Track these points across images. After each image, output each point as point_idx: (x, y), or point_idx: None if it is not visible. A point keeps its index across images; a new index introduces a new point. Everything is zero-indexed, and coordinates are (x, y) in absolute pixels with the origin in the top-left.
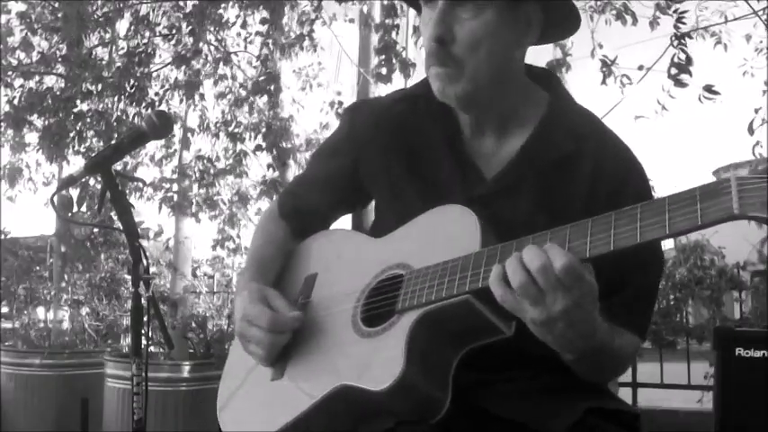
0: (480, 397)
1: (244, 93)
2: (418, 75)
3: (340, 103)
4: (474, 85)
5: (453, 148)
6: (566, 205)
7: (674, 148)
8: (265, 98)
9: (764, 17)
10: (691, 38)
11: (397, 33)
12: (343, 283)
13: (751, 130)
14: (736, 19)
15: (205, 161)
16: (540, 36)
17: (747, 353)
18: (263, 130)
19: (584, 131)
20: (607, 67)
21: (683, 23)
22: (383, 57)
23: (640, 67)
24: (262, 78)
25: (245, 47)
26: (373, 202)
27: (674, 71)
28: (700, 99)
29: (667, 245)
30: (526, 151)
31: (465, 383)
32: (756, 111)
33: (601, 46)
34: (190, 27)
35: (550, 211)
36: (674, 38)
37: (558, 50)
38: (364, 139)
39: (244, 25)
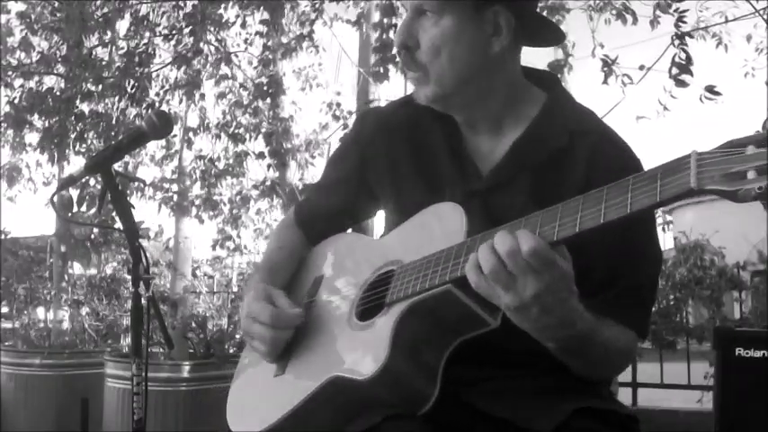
0: (469, 393)
1: (244, 93)
2: None
3: (338, 104)
4: (441, 87)
5: (452, 146)
6: (560, 199)
7: (676, 148)
8: (267, 100)
9: (766, 16)
10: (692, 37)
11: (395, 32)
12: (344, 282)
13: (765, 130)
14: (736, 19)
15: (205, 161)
16: (519, 41)
17: (747, 353)
18: (263, 130)
19: (578, 127)
20: (608, 66)
21: (684, 23)
22: (380, 56)
23: (641, 67)
24: (264, 81)
25: (246, 48)
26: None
27: (675, 71)
28: (701, 99)
29: (667, 245)
30: (518, 147)
31: (455, 379)
32: None
33: (602, 45)
34: (190, 27)
35: (545, 205)
36: (674, 37)
37: (560, 51)
38: (370, 144)
39: (243, 25)
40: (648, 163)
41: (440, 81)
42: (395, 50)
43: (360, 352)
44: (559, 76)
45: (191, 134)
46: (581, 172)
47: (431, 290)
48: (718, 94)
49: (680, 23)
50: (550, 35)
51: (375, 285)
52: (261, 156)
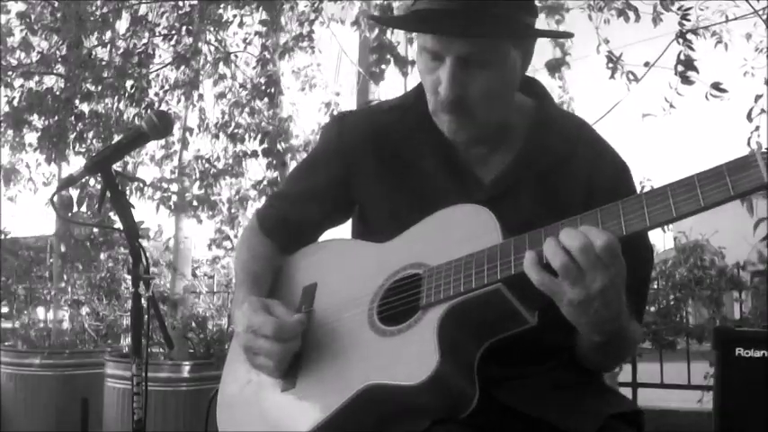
0: (503, 393)
1: (244, 93)
2: (415, 73)
3: (338, 104)
4: (486, 127)
5: (447, 157)
6: (565, 205)
7: (681, 145)
8: (265, 100)
9: (765, 17)
10: (696, 34)
11: (393, 32)
12: (349, 289)
13: (749, 118)
14: (736, 18)
15: (203, 161)
16: None
17: (747, 353)
18: (262, 130)
19: (575, 134)
20: (613, 62)
21: (688, 20)
22: (377, 56)
23: (646, 64)
24: (262, 81)
25: (245, 47)
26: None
27: (680, 68)
28: (707, 97)
29: (667, 245)
30: (523, 155)
31: (486, 378)
32: (757, 99)
33: (607, 41)
34: (189, 27)
35: (550, 211)
36: (678, 34)
37: (558, 50)
38: (354, 151)
39: (241, 24)
40: (655, 160)
41: (486, 122)
42: (394, 47)
43: (400, 358)
44: (557, 74)
45: (187, 134)
46: (583, 178)
47: (478, 290)
48: (724, 91)
49: (684, 21)
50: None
51: (397, 290)
52: (254, 155)
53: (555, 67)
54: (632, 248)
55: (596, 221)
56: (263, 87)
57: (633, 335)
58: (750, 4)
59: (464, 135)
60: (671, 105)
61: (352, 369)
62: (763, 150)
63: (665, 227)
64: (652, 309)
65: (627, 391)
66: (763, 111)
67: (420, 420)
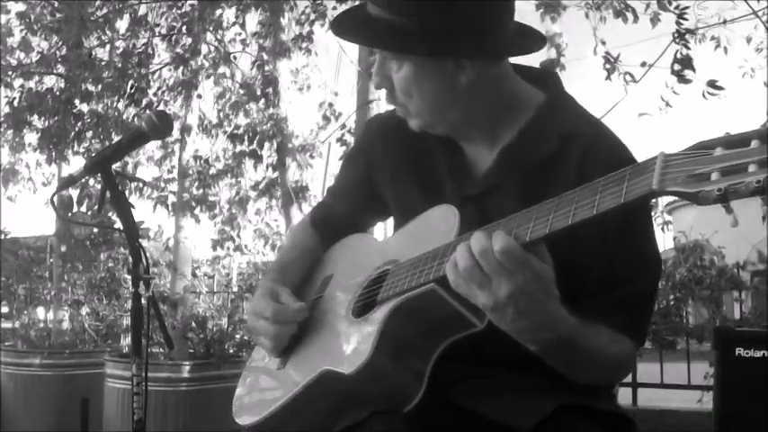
0: (456, 391)
1: (243, 93)
2: None
3: (330, 105)
4: (422, 120)
5: (449, 152)
6: None
7: (678, 145)
8: (264, 100)
9: (764, 18)
10: (693, 34)
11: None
12: (348, 281)
13: None
14: (734, 20)
15: (201, 161)
16: (492, 63)
17: (747, 353)
18: (262, 129)
19: (573, 131)
20: (610, 63)
21: (685, 20)
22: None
23: (643, 64)
24: (258, 82)
25: (243, 48)
26: None
27: (677, 67)
28: (704, 95)
29: (667, 244)
30: (506, 152)
31: (444, 377)
32: None
33: (603, 42)
34: (188, 27)
35: None
36: (676, 34)
37: (553, 50)
38: (373, 149)
39: (241, 25)
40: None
41: (419, 115)
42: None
43: (349, 346)
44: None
45: (185, 134)
46: (573, 175)
47: (416, 288)
48: (720, 88)
49: (681, 21)
50: (530, 45)
51: (372, 283)
52: (253, 154)
53: (548, 68)
54: (626, 258)
55: (513, 226)
56: (261, 87)
57: (602, 351)
58: (749, 5)
59: (412, 124)
60: (667, 104)
61: (319, 355)
62: (668, 153)
63: (665, 227)
64: (651, 316)
65: (627, 391)
66: None
67: (361, 411)
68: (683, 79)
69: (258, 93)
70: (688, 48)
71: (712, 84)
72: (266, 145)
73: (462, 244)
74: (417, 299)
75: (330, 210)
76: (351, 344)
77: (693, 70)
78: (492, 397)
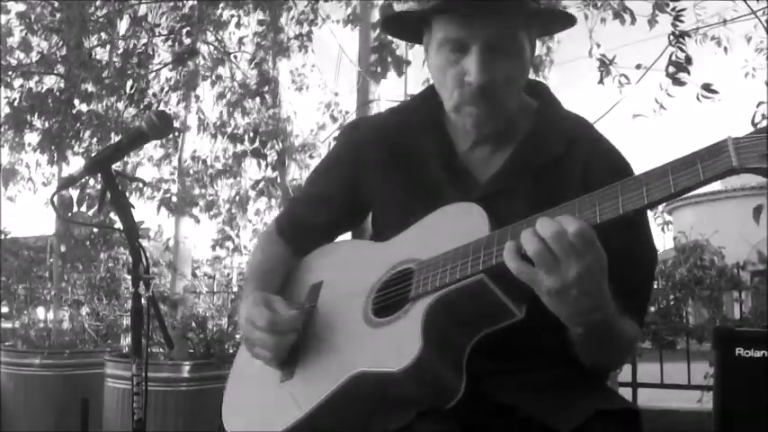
0: (490, 386)
1: (242, 92)
2: (412, 72)
3: (337, 104)
4: (508, 119)
5: (446, 158)
6: (559, 203)
7: (673, 147)
8: (263, 100)
9: (764, 18)
10: (690, 36)
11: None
12: (350, 286)
13: (753, 125)
14: (734, 20)
15: (200, 162)
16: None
17: (747, 353)
18: (262, 128)
19: (574, 135)
20: (605, 66)
21: (681, 21)
22: (378, 55)
23: (638, 66)
24: (256, 82)
25: (240, 47)
26: (369, 219)
27: (671, 69)
28: (698, 98)
29: (667, 245)
30: (518, 155)
31: (476, 372)
32: (759, 105)
33: (598, 45)
34: (188, 27)
35: (545, 209)
36: (671, 36)
37: (544, 48)
38: (363, 155)
39: (238, 25)
40: (646, 161)
41: (509, 113)
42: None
43: (387, 346)
44: (540, 72)
45: (186, 134)
46: (578, 178)
47: (462, 280)
48: (714, 92)
49: (677, 22)
50: (560, 24)
51: (390, 284)
52: (255, 153)
53: (537, 65)
54: (631, 247)
55: (573, 211)
56: (258, 87)
57: (626, 332)
58: (748, 5)
59: (490, 127)
60: (661, 107)
61: (344, 359)
62: (734, 137)
63: (665, 227)
64: (652, 309)
65: (627, 391)
66: (764, 116)
67: (404, 412)
68: (677, 82)
69: (257, 92)
70: (683, 50)
71: (707, 87)
72: (268, 145)
73: (527, 230)
74: (459, 292)
75: (300, 221)
76: (389, 344)
77: (688, 73)
78: (528, 393)
